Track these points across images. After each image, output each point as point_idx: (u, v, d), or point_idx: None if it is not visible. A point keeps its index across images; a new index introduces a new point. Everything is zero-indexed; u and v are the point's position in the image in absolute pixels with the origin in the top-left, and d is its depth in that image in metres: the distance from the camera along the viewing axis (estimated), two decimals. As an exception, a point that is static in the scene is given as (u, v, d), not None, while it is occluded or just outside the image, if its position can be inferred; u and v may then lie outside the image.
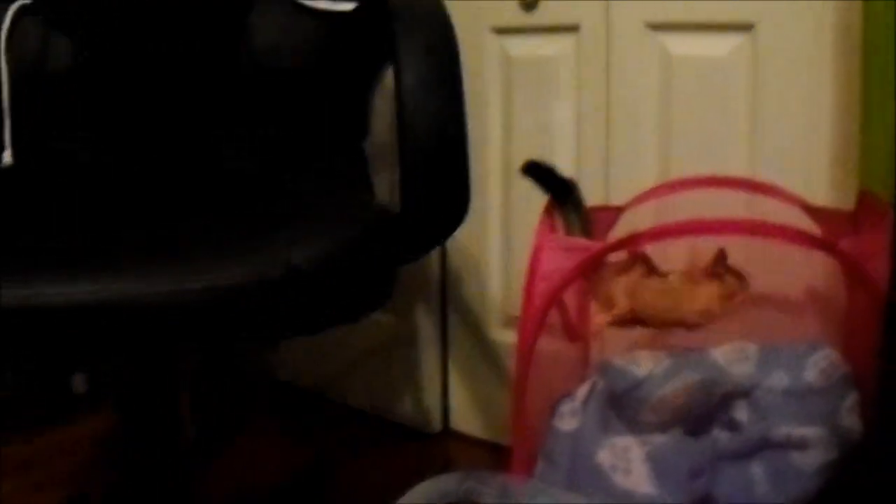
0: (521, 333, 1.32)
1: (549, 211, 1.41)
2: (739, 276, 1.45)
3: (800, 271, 1.69)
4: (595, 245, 1.33)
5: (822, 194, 1.70)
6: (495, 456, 2.17)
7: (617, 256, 1.42)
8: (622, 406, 1.53)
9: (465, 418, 2.29)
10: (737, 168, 1.76)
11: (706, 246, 1.42)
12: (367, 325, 2.35)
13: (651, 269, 1.45)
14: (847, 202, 1.64)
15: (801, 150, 1.71)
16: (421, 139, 1.40)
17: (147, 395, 1.69)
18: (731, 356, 1.61)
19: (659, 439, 1.39)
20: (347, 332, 2.35)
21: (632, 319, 1.47)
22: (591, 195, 1.90)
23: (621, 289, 1.46)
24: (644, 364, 1.63)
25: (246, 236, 1.33)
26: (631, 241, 1.31)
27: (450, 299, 2.26)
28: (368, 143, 1.77)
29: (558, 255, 1.33)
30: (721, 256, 1.43)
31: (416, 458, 2.22)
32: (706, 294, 1.43)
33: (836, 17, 1.66)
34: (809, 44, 1.69)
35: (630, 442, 1.37)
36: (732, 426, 1.45)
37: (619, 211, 1.68)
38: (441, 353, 2.29)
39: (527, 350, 1.32)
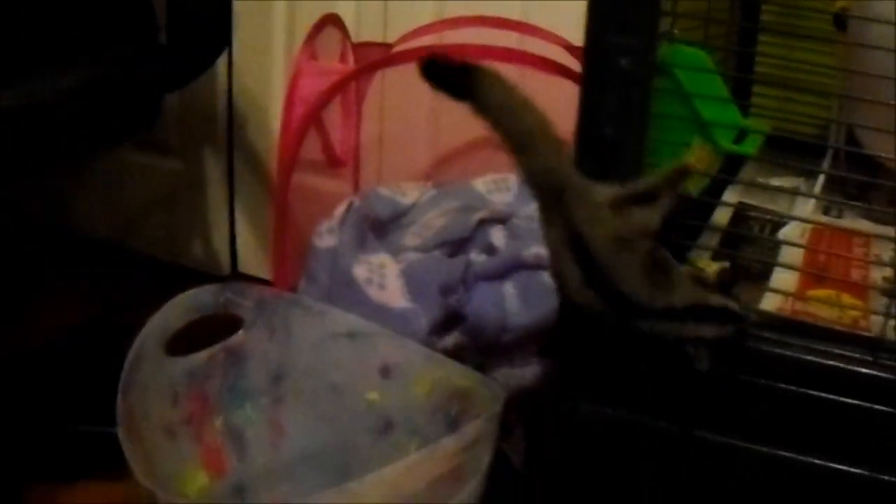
0: (280, 155, 1.35)
1: (310, 39, 1.43)
2: None
3: (567, 108, 1.76)
4: (350, 68, 1.37)
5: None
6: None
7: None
8: (386, 232, 1.60)
9: (254, 260, 2.32)
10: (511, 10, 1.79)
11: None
12: (155, 171, 2.34)
13: None
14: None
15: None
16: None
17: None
18: (492, 186, 1.69)
19: (413, 256, 1.45)
20: (135, 179, 2.35)
21: None
22: (370, 31, 1.92)
23: None
24: (410, 194, 1.70)
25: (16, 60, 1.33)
26: (385, 62, 1.35)
27: (236, 143, 2.26)
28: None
29: (316, 81, 1.36)
30: None
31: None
32: None
33: None
34: None
35: (386, 259, 1.43)
36: (489, 250, 1.53)
37: (389, 48, 1.70)
38: (228, 197, 2.30)
39: (285, 170, 1.35)
